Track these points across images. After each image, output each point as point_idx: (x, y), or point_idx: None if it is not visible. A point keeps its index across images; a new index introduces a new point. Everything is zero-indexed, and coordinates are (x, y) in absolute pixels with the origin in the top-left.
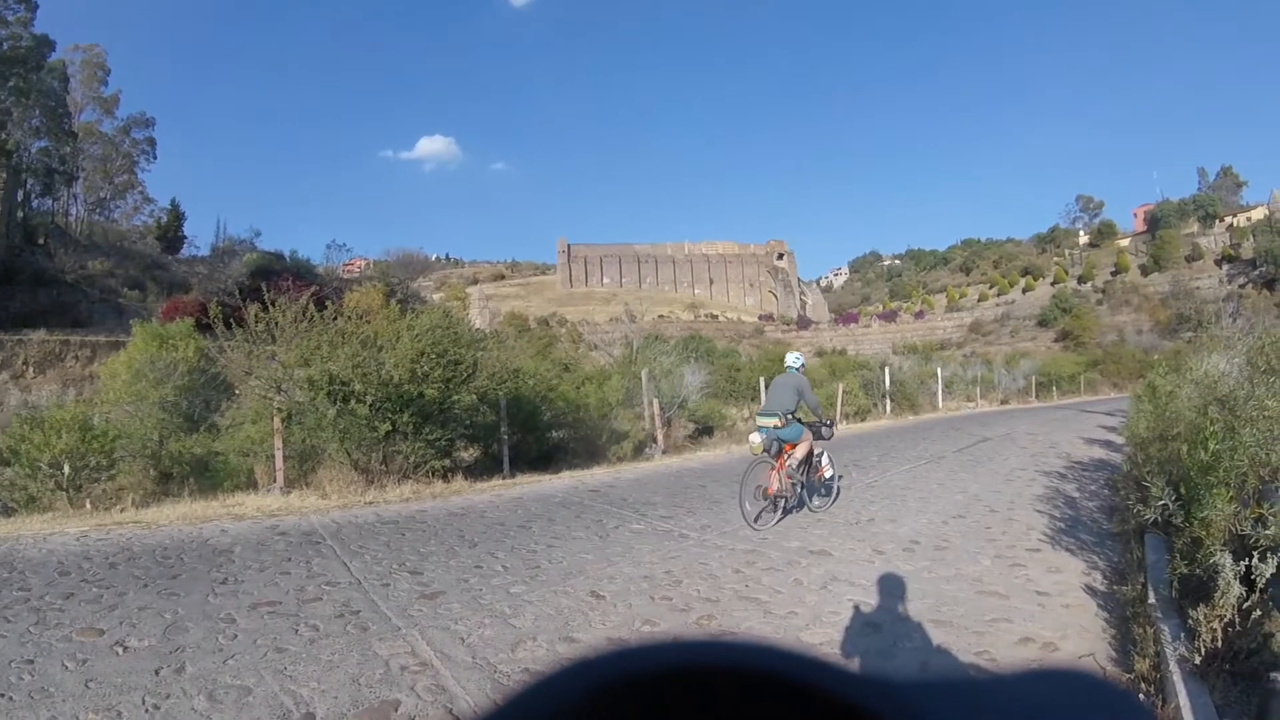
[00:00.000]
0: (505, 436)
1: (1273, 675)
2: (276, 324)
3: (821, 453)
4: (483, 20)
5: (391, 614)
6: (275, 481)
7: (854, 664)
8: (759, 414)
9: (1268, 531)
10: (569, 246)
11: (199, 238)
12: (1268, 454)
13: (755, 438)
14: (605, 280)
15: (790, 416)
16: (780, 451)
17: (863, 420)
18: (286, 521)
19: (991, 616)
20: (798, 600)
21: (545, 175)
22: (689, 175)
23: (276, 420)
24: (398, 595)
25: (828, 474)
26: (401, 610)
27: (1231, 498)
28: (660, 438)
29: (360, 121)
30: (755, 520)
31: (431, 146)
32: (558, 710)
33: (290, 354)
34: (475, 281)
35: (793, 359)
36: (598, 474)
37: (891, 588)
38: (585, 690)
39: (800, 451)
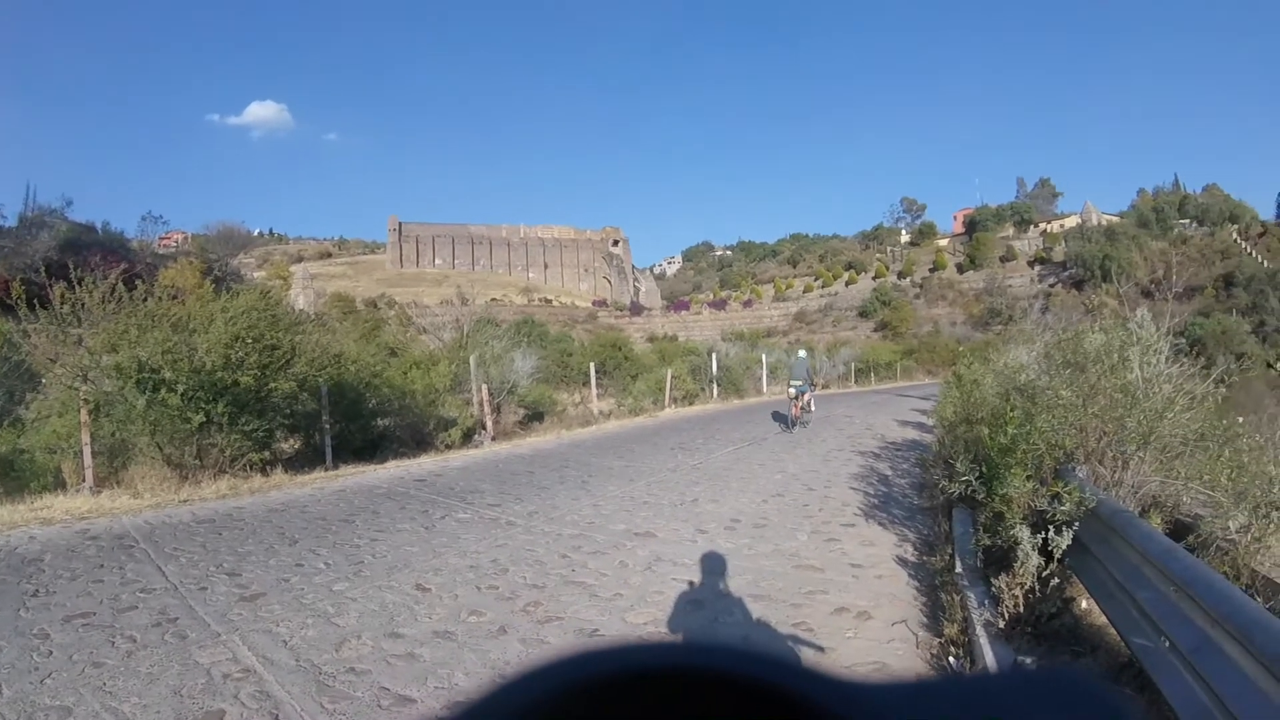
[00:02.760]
0: (327, 426)
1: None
2: (83, 305)
3: (811, 398)
4: None
5: (211, 619)
6: (85, 481)
7: (677, 641)
8: (791, 380)
9: (1063, 507)
10: (400, 225)
11: (5, 206)
12: (1061, 438)
13: (791, 390)
14: (437, 261)
15: (804, 380)
16: (798, 397)
17: (690, 404)
18: (98, 524)
19: (808, 589)
20: (623, 582)
21: (380, 149)
22: (528, 158)
23: (83, 413)
24: (216, 599)
25: (813, 408)
26: (221, 615)
27: (1029, 476)
28: (490, 424)
29: (188, 81)
30: (791, 429)
31: (262, 112)
32: None
33: (97, 339)
34: (300, 259)
35: (803, 353)
36: (425, 463)
37: (713, 566)
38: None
39: (808, 397)
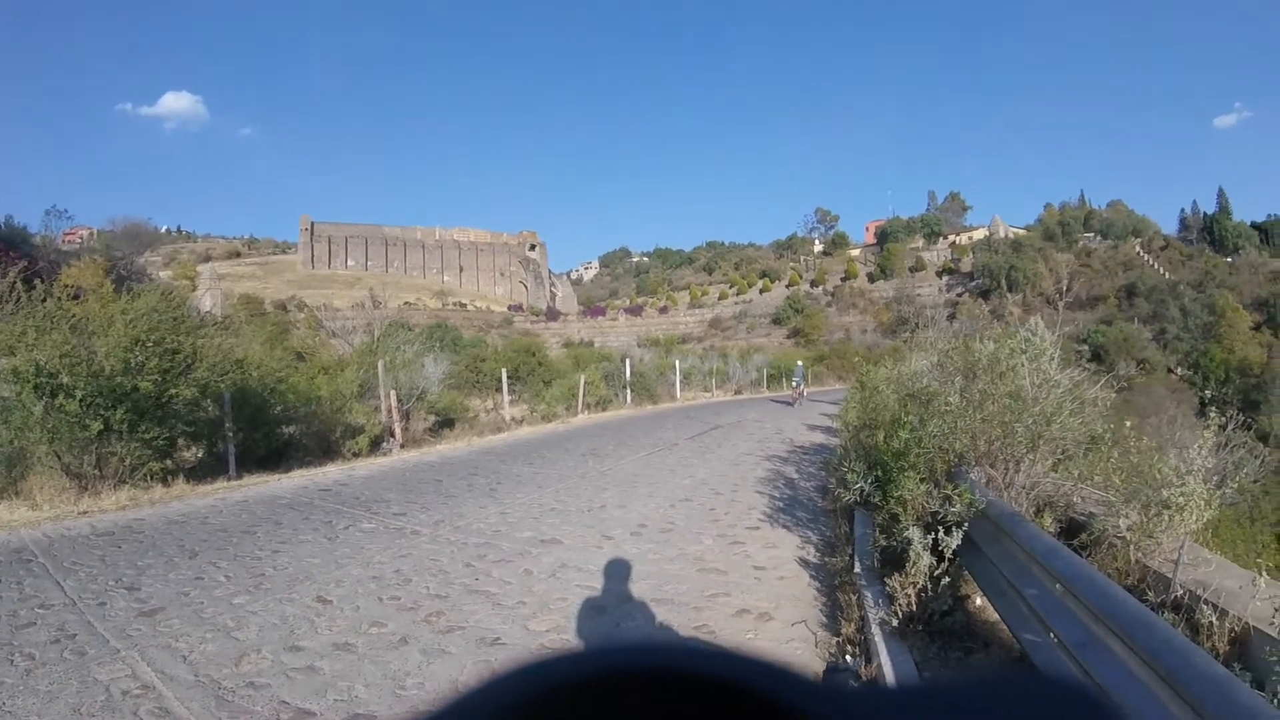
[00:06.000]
0: (230, 434)
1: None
2: None
3: (805, 389)
4: None
5: (110, 635)
6: None
7: (579, 648)
8: (794, 377)
9: (954, 509)
10: (313, 224)
11: None
12: (952, 442)
13: (794, 382)
14: (350, 263)
15: (800, 378)
16: (797, 387)
17: (604, 410)
18: None
19: (711, 592)
20: (527, 590)
21: (295, 147)
22: (445, 159)
23: None
24: (115, 614)
25: (805, 394)
26: (120, 631)
27: (923, 479)
28: (398, 431)
29: (102, 68)
30: (793, 405)
31: (177, 104)
32: None
33: None
34: (208, 259)
35: (800, 363)
36: (330, 472)
37: (618, 571)
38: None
39: (803, 388)
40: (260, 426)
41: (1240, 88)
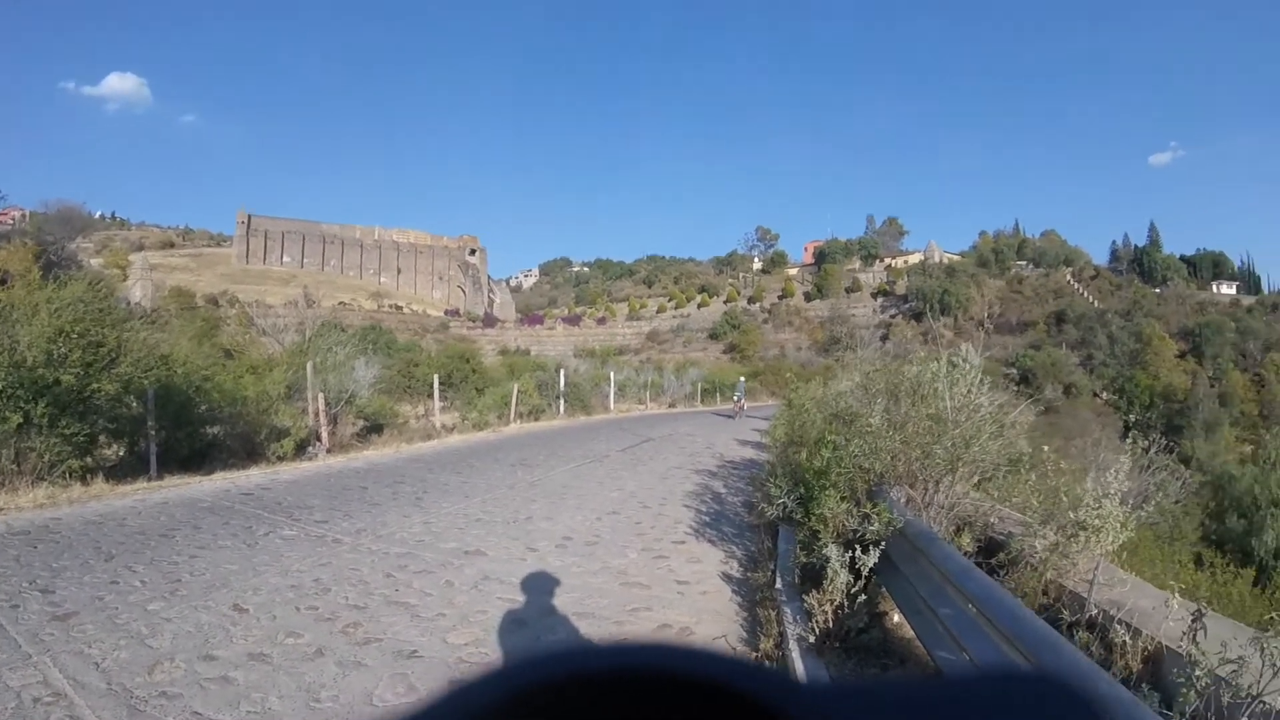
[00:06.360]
0: (152, 432)
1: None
2: None
3: (744, 402)
4: None
5: (21, 639)
6: None
7: (499, 661)
8: (735, 391)
9: (873, 527)
10: (250, 219)
11: None
12: (872, 462)
13: (735, 397)
14: (286, 259)
15: (741, 392)
16: (738, 401)
17: (537, 420)
18: None
19: (633, 606)
20: (448, 602)
21: (237, 138)
22: (387, 157)
23: None
24: (28, 618)
25: (745, 406)
26: (32, 635)
27: (843, 498)
28: (325, 435)
29: (45, 43)
30: (733, 418)
31: (121, 85)
32: None
33: None
34: (141, 248)
35: (742, 379)
36: (254, 475)
37: (541, 584)
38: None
39: (744, 402)
40: (183, 426)
41: (1176, 128)
